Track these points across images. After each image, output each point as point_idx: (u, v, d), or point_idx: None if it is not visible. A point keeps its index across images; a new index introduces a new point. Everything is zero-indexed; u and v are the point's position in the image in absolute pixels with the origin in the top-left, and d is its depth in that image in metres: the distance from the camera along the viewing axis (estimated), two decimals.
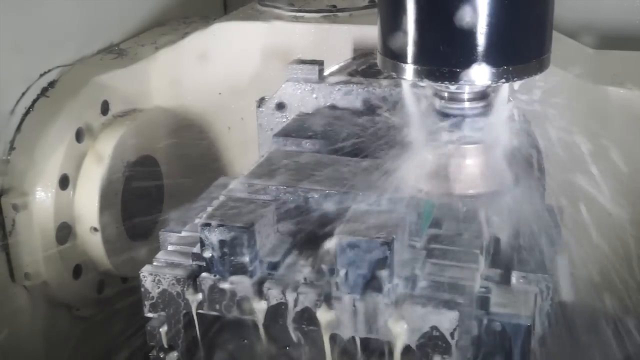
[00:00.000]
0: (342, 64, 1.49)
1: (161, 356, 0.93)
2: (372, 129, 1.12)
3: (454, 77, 0.87)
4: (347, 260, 0.82)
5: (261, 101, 1.26)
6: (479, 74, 0.86)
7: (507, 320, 0.85)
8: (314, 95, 1.25)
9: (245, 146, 1.58)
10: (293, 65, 1.26)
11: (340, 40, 1.55)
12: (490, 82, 0.87)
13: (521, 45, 0.88)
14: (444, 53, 0.86)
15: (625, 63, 1.49)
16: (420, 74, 0.89)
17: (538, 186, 0.99)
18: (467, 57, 0.85)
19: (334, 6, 1.66)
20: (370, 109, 1.22)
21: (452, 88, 0.94)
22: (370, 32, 1.55)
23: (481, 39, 0.84)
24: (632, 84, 1.37)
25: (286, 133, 1.14)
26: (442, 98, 0.96)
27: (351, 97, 1.24)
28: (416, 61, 0.88)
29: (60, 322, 1.48)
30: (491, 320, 0.85)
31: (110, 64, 1.56)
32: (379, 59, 0.94)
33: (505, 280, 0.89)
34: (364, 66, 1.46)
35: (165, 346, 0.92)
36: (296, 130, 1.15)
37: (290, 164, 1.04)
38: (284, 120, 1.23)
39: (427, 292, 0.83)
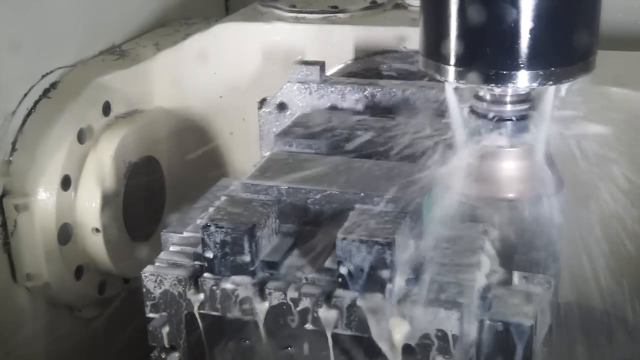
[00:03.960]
0: (343, 64, 1.50)
1: (163, 356, 0.93)
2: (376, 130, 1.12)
3: (500, 80, 0.85)
4: (349, 260, 0.82)
5: (263, 102, 1.26)
6: (526, 77, 0.84)
7: (509, 320, 0.85)
8: (316, 96, 1.25)
9: (246, 147, 1.58)
10: (295, 66, 1.26)
11: (342, 41, 1.55)
12: (537, 85, 0.86)
13: (569, 47, 0.86)
14: (491, 55, 0.84)
15: (626, 63, 1.49)
16: (465, 77, 0.86)
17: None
18: (515, 59, 0.83)
19: (335, 7, 1.66)
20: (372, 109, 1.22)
21: (497, 91, 0.91)
22: (371, 33, 1.56)
23: (529, 41, 0.83)
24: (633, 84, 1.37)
25: (288, 134, 1.14)
26: (483, 100, 0.95)
27: (352, 97, 1.24)
28: (461, 63, 0.86)
29: (62, 323, 1.48)
30: (493, 320, 0.85)
31: (112, 65, 1.56)
32: (420, 61, 0.91)
33: (507, 280, 0.89)
34: (366, 67, 1.46)
35: (167, 346, 0.92)
36: (297, 130, 1.15)
37: (292, 165, 1.04)
38: (286, 120, 1.24)
39: (429, 292, 0.83)
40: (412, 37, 1.50)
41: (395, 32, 1.53)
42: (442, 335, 0.81)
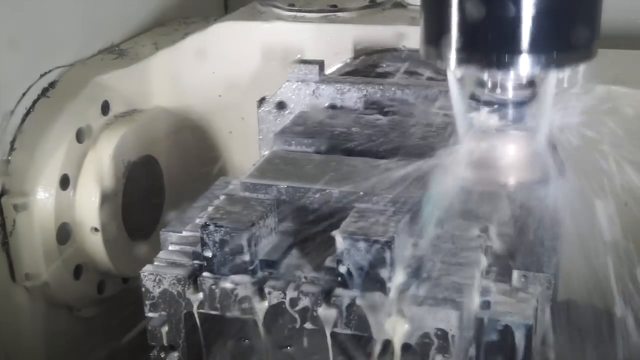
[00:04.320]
0: (342, 63, 1.50)
1: (162, 356, 0.93)
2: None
3: (501, 65, 0.83)
4: (348, 258, 0.82)
5: (262, 101, 1.26)
6: (528, 61, 0.84)
7: (509, 319, 0.85)
8: (315, 95, 1.25)
9: (245, 146, 1.58)
10: (294, 64, 1.26)
11: (341, 40, 1.55)
12: (539, 70, 0.85)
13: (572, 32, 0.84)
14: (492, 40, 0.83)
15: (625, 63, 1.49)
16: (467, 62, 0.84)
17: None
18: (516, 44, 0.82)
19: (335, 6, 1.66)
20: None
21: (499, 76, 0.89)
22: (370, 32, 1.56)
23: (531, 25, 0.81)
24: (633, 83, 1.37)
25: (287, 132, 1.14)
26: (484, 86, 0.94)
27: (351, 96, 1.24)
28: (463, 48, 0.84)
29: (61, 323, 1.48)
30: (492, 319, 0.85)
31: (111, 64, 1.56)
32: (421, 48, 0.90)
33: (506, 279, 0.89)
34: (365, 65, 1.46)
35: (166, 346, 0.92)
36: (297, 129, 1.15)
37: (291, 164, 1.04)
38: (285, 119, 1.23)
39: (429, 291, 0.83)
40: (411, 36, 1.50)
41: (395, 30, 1.53)
42: (442, 334, 0.80)
